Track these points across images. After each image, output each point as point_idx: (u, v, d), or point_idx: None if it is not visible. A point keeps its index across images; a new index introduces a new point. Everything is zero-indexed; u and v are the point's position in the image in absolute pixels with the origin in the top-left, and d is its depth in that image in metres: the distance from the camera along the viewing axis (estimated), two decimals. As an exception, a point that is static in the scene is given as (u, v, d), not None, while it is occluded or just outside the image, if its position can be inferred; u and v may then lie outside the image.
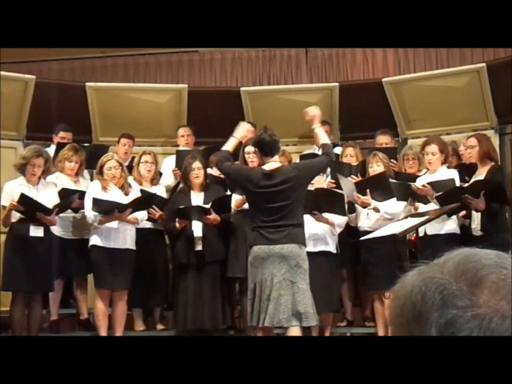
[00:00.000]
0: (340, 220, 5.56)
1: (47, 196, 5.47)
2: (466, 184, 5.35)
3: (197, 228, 5.61)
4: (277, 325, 4.65)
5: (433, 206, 5.36)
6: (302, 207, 4.82)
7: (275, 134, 4.77)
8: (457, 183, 5.43)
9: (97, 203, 5.37)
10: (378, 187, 5.38)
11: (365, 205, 5.45)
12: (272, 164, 4.75)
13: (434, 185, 5.39)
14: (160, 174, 6.27)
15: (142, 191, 5.75)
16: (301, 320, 4.64)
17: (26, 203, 5.27)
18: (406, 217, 5.34)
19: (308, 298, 4.67)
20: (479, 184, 5.26)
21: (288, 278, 4.62)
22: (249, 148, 5.69)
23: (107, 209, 5.41)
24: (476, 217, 5.42)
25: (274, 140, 4.73)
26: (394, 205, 5.46)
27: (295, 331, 4.67)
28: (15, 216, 5.40)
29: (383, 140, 6.49)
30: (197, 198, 5.73)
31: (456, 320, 0.77)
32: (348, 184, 5.60)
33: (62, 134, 6.46)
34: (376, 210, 5.45)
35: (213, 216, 5.54)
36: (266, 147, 4.72)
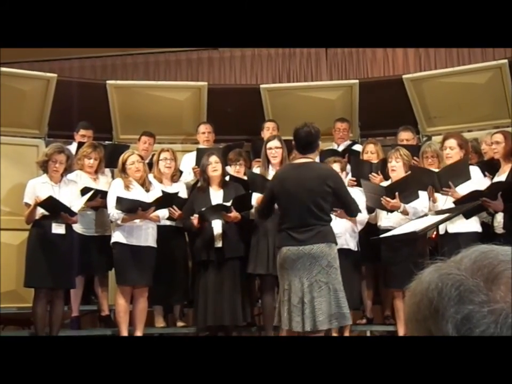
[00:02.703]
0: (361, 217, 5.53)
1: (69, 194, 5.52)
2: (483, 188, 5.29)
3: (216, 224, 5.62)
4: (315, 329, 4.47)
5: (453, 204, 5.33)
6: (330, 206, 4.70)
7: (313, 133, 4.57)
8: (479, 180, 5.38)
9: (120, 202, 5.40)
10: (405, 189, 5.34)
11: (394, 209, 5.40)
12: (303, 160, 4.63)
13: (445, 172, 5.36)
14: (181, 173, 6.29)
15: (163, 192, 5.75)
16: (336, 321, 4.54)
17: (53, 205, 5.33)
18: (426, 215, 5.32)
19: (342, 297, 4.56)
20: (496, 186, 5.23)
21: (320, 280, 4.48)
22: (271, 144, 5.69)
23: (131, 208, 5.44)
24: (499, 214, 5.38)
25: (309, 139, 4.57)
26: (420, 208, 5.42)
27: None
28: (38, 213, 5.46)
29: (405, 136, 6.46)
30: (216, 196, 5.73)
31: (472, 315, 0.77)
32: (374, 189, 5.56)
33: (82, 131, 6.51)
34: (405, 213, 5.40)
35: (234, 214, 5.54)
36: (297, 143, 4.64)
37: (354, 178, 5.90)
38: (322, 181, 4.56)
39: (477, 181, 5.36)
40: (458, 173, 5.30)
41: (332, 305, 4.50)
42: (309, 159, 4.64)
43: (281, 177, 4.68)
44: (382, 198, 5.37)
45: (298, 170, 4.59)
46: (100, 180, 6.01)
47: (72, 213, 5.41)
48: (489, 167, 5.63)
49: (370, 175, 5.89)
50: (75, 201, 5.48)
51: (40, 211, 5.43)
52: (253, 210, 5.73)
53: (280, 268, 4.66)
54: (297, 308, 4.49)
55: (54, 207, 5.35)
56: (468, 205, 5.15)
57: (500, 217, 5.36)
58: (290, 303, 4.52)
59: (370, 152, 6.20)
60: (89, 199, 5.61)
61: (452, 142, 5.53)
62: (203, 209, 5.55)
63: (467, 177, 5.27)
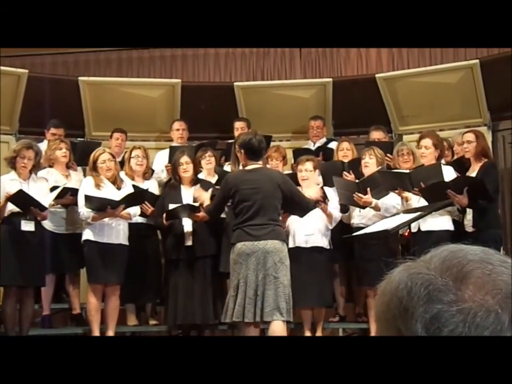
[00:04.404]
0: (336, 214, 5.58)
1: (38, 191, 5.44)
2: (449, 180, 5.34)
3: (187, 223, 5.61)
4: (262, 320, 4.76)
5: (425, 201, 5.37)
6: (280, 208, 4.98)
7: (263, 141, 4.98)
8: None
9: (89, 200, 5.35)
10: (376, 184, 5.38)
11: (366, 205, 5.44)
12: (255, 165, 4.92)
13: (419, 173, 5.41)
14: (153, 171, 6.26)
15: (134, 186, 5.74)
16: (282, 314, 4.74)
17: (23, 199, 5.25)
18: (398, 213, 5.36)
19: (287, 293, 4.79)
20: (462, 180, 5.28)
21: (271, 274, 4.74)
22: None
23: (99, 206, 5.40)
24: (468, 213, 5.43)
25: (261, 147, 4.93)
26: (392, 203, 5.47)
27: (278, 325, 4.74)
28: (6, 210, 5.37)
29: (377, 135, 6.51)
30: (188, 194, 5.71)
31: (441, 315, 0.77)
32: (346, 185, 5.59)
33: (53, 130, 6.44)
34: (377, 209, 5.44)
35: (202, 214, 5.54)
36: (251, 151, 4.90)
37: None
38: (275, 184, 4.89)
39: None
40: (431, 175, 5.34)
41: (280, 299, 4.74)
42: (260, 164, 4.96)
43: (236, 181, 4.94)
44: (354, 194, 5.41)
45: (251, 174, 4.88)
46: (71, 177, 5.95)
47: (43, 207, 5.32)
48: (459, 166, 5.68)
49: (343, 175, 5.91)
50: (44, 198, 5.41)
51: (9, 208, 5.34)
52: (226, 209, 5.73)
53: (233, 263, 4.87)
54: (251, 299, 4.74)
55: (24, 201, 5.27)
56: (440, 204, 5.19)
57: (469, 216, 5.42)
58: (246, 296, 4.75)
59: (346, 149, 6.20)
60: (59, 197, 5.54)
61: (427, 142, 5.58)
62: (171, 207, 5.53)
63: (440, 179, 5.31)
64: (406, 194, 5.47)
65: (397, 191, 5.46)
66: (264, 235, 4.78)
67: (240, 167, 5.65)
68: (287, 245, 5.02)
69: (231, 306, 4.83)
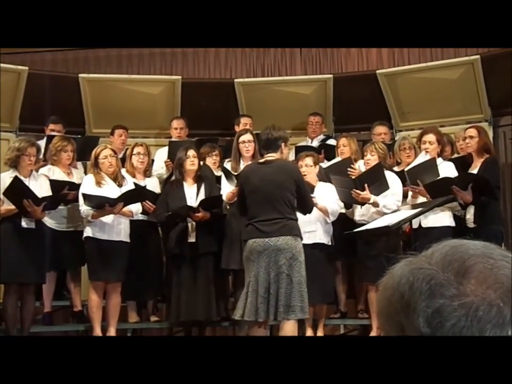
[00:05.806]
0: (333, 207, 5.54)
1: (39, 187, 5.42)
2: (454, 176, 5.34)
3: (190, 219, 5.61)
4: (279, 318, 4.65)
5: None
6: (294, 204, 4.82)
7: (273, 133, 4.83)
8: (453, 174, 5.43)
9: (88, 198, 5.34)
10: (375, 180, 5.38)
11: (364, 201, 5.42)
12: (268, 158, 4.83)
13: (417, 168, 5.41)
14: (152, 161, 6.24)
15: (135, 184, 5.73)
16: (295, 313, 4.66)
17: (18, 188, 5.21)
18: (399, 209, 5.36)
19: (302, 291, 4.67)
20: (466, 177, 5.29)
21: (284, 271, 4.62)
22: (244, 137, 5.69)
23: (98, 204, 5.38)
24: (470, 208, 5.44)
25: (268, 139, 4.81)
26: (392, 199, 5.46)
27: (289, 324, 4.68)
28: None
29: (381, 130, 6.53)
30: (190, 191, 5.71)
31: (443, 309, 0.77)
32: (344, 183, 5.58)
33: (51, 126, 6.45)
34: (376, 205, 5.43)
35: (201, 214, 5.53)
36: (261, 145, 4.93)
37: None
38: (289, 175, 4.76)
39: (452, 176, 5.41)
40: (427, 171, 5.34)
41: (293, 297, 4.63)
42: (273, 156, 4.82)
43: (246, 174, 4.87)
44: (352, 191, 5.40)
45: (262, 166, 4.78)
46: (73, 175, 5.94)
47: (38, 201, 5.24)
48: (463, 163, 5.68)
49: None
50: (44, 195, 5.38)
51: (12, 206, 5.31)
52: (227, 206, 5.73)
53: (246, 261, 4.78)
54: (263, 298, 4.63)
55: (19, 191, 5.22)
56: (441, 200, 5.19)
57: (471, 212, 5.42)
58: (258, 294, 4.63)
59: (342, 145, 6.20)
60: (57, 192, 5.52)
61: (431, 137, 5.58)
62: (170, 213, 5.53)
63: (435, 175, 5.32)
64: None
65: (405, 188, 5.46)
66: (276, 231, 4.63)
67: (241, 164, 5.66)
68: (301, 239, 4.82)
69: (242, 304, 4.74)
